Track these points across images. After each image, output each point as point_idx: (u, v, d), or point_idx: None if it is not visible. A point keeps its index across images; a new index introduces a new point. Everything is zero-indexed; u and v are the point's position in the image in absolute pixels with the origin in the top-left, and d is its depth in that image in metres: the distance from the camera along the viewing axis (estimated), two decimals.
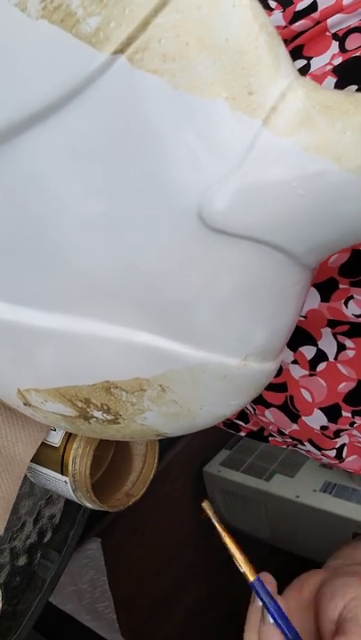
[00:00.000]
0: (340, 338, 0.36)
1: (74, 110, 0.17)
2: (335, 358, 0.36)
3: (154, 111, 0.16)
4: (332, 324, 0.35)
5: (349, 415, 0.37)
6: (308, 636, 0.34)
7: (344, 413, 0.37)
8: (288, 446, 0.47)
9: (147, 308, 0.21)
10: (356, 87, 0.28)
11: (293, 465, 1.07)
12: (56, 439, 0.36)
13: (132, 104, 0.16)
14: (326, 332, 0.36)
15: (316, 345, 0.37)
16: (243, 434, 0.50)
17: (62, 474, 0.35)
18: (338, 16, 0.30)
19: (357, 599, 0.32)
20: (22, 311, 0.23)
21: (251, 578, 0.34)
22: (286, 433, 0.42)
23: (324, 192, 0.17)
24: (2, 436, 0.35)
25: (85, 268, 0.20)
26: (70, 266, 0.20)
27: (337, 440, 0.39)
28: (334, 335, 0.36)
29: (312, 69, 0.31)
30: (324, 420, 0.38)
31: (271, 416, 0.42)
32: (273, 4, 0.34)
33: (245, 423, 0.48)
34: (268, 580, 0.35)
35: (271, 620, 0.33)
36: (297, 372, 0.38)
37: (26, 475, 0.39)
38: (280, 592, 0.36)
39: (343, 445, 0.40)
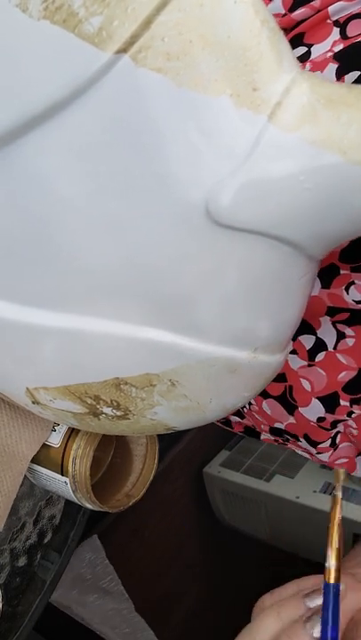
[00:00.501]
0: (340, 326, 0.36)
1: (78, 110, 0.17)
2: (335, 348, 0.36)
3: (158, 109, 0.16)
4: (331, 312, 0.35)
5: (348, 404, 0.37)
6: None
7: (342, 402, 0.37)
8: (279, 443, 0.47)
9: (154, 304, 0.21)
10: (359, 73, 0.28)
11: (294, 466, 1.07)
12: (56, 440, 0.36)
13: (136, 103, 0.16)
14: (325, 320, 0.36)
15: (315, 334, 0.37)
16: (237, 430, 0.50)
17: (62, 474, 0.35)
18: (339, 4, 0.29)
19: None
20: (28, 311, 0.23)
21: (333, 580, 0.27)
22: (282, 428, 0.42)
23: (330, 185, 0.17)
24: (5, 435, 0.35)
25: (91, 267, 0.20)
26: (75, 266, 0.20)
27: (332, 431, 0.39)
28: (333, 324, 0.36)
29: (313, 56, 0.31)
30: (321, 411, 0.38)
31: (268, 408, 0.41)
32: None
33: (241, 419, 0.48)
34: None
35: (317, 635, 0.26)
36: (296, 362, 0.38)
37: (26, 475, 0.39)
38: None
39: (338, 433, 0.40)
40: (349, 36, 0.29)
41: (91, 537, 0.95)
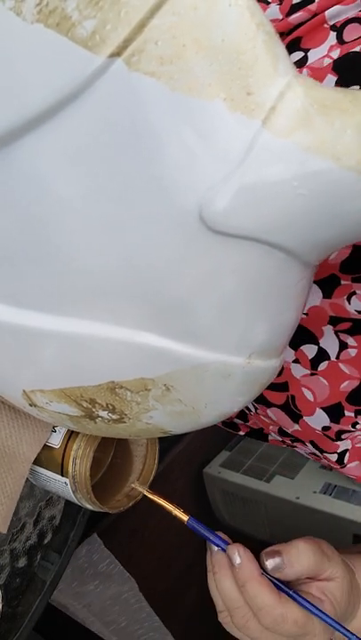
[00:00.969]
0: (342, 336, 0.36)
1: (72, 114, 0.17)
2: (337, 357, 0.36)
3: (152, 113, 0.16)
4: (333, 321, 0.35)
5: (352, 415, 0.37)
6: None
7: (347, 413, 0.37)
8: (288, 446, 0.47)
9: (149, 309, 0.21)
10: (358, 87, 0.28)
11: (294, 466, 1.07)
12: (56, 440, 0.36)
13: (130, 107, 0.16)
14: (328, 329, 0.36)
15: (317, 343, 0.37)
16: (242, 433, 0.50)
17: (62, 475, 0.35)
18: (336, 8, 0.29)
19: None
20: (26, 314, 0.23)
21: (185, 517, 0.36)
22: (289, 432, 0.42)
23: (324, 191, 0.17)
24: (6, 436, 0.35)
25: (87, 270, 0.20)
26: (72, 267, 0.20)
27: (339, 443, 0.39)
28: (336, 333, 0.36)
29: (310, 61, 0.31)
30: (326, 421, 0.38)
31: (273, 415, 0.42)
32: None
33: (245, 422, 0.48)
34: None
35: (216, 549, 0.35)
36: (298, 371, 0.38)
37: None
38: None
39: (345, 451, 0.40)
40: (346, 40, 0.29)
41: (91, 536, 0.95)
